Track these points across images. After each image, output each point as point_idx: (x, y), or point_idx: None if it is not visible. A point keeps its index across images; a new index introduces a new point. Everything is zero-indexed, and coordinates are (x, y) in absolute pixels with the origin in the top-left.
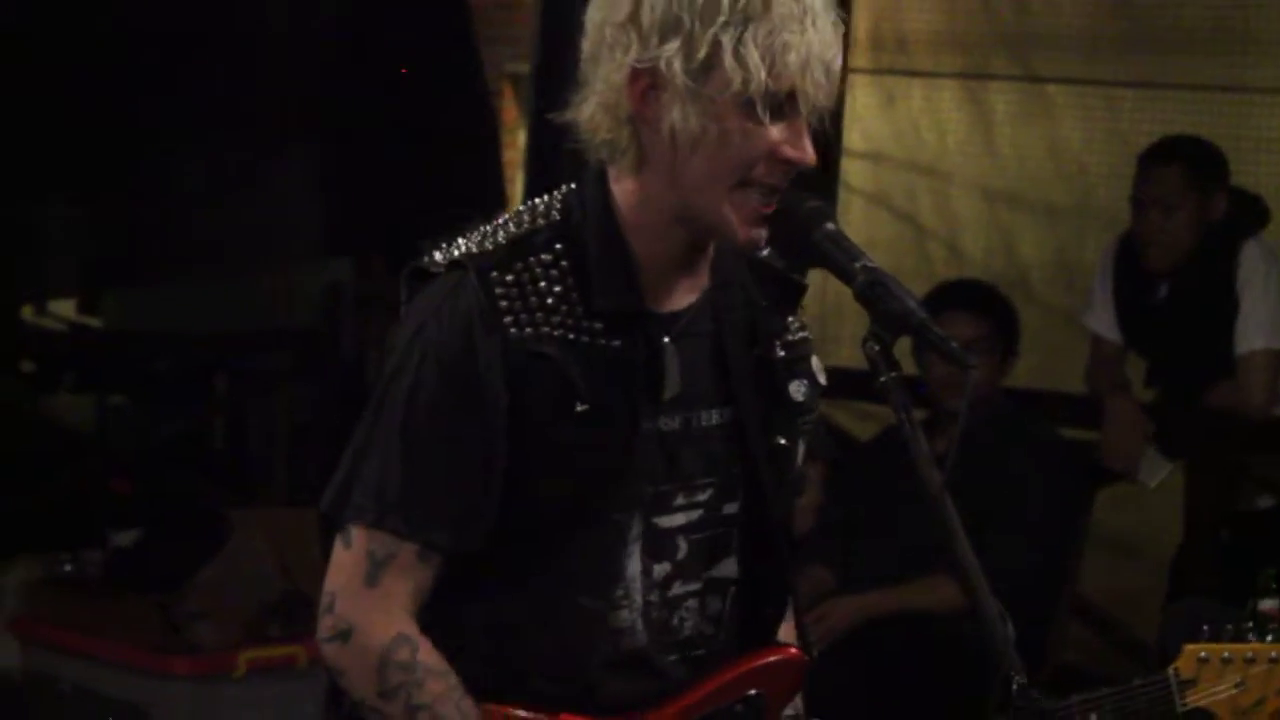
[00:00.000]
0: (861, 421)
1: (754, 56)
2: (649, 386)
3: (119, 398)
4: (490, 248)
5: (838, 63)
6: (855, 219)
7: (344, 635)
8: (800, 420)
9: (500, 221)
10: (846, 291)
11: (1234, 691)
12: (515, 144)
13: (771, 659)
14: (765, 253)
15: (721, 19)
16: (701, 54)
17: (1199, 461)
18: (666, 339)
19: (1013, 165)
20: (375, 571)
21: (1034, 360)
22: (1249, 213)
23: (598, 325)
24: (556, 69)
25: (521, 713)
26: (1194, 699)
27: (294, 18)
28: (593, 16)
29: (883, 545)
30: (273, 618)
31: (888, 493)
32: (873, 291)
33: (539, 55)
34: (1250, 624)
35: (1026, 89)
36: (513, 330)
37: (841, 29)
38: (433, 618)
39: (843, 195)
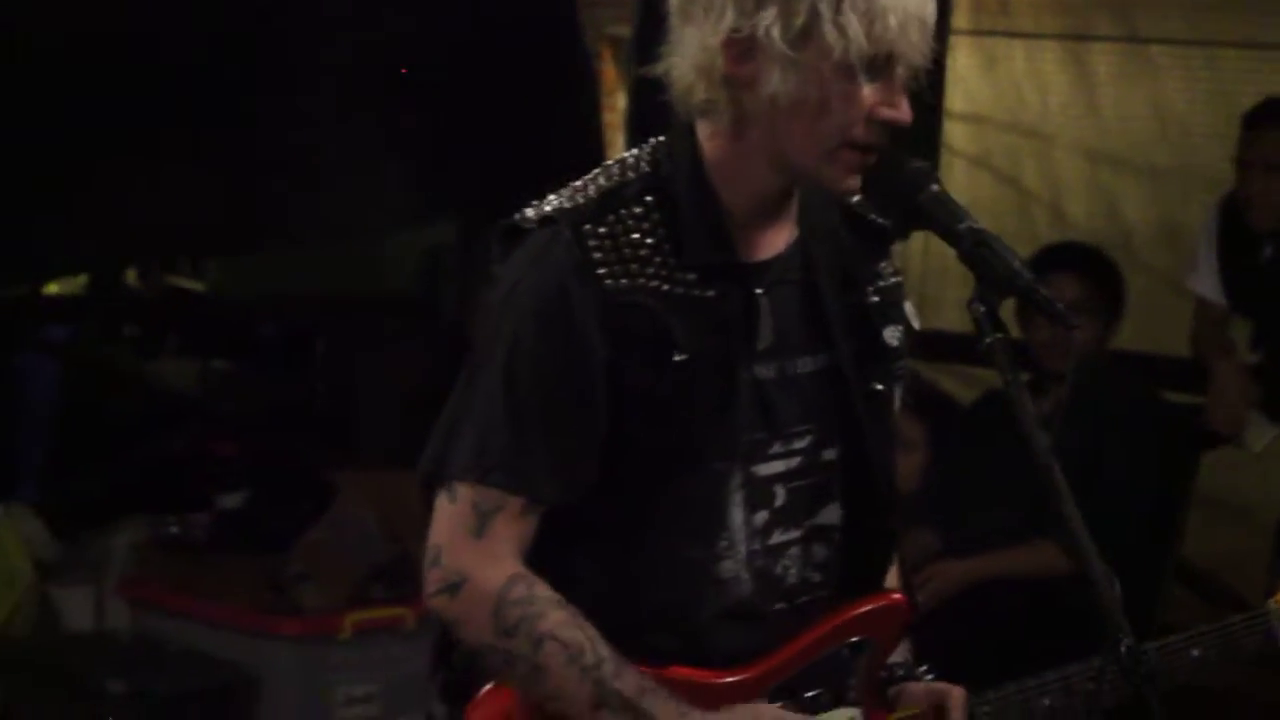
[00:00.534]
0: (965, 385)
1: (853, 22)
2: (744, 335)
3: (222, 362)
4: (582, 201)
5: (933, 19)
6: (957, 181)
7: (454, 587)
8: (895, 365)
9: (590, 176)
10: (949, 254)
11: None
12: (615, 106)
13: (877, 605)
14: (855, 199)
15: None
16: (799, 21)
17: None
18: (759, 290)
19: (1115, 127)
20: (481, 524)
21: (1138, 323)
22: None
23: (691, 276)
24: (657, 31)
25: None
26: None
27: None
28: None
29: (987, 508)
30: (378, 580)
31: (992, 455)
32: (978, 253)
33: (639, 17)
34: None
35: (1129, 49)
36: (608, 282)
37: None
38: (540, 572)
39: (945, 158)
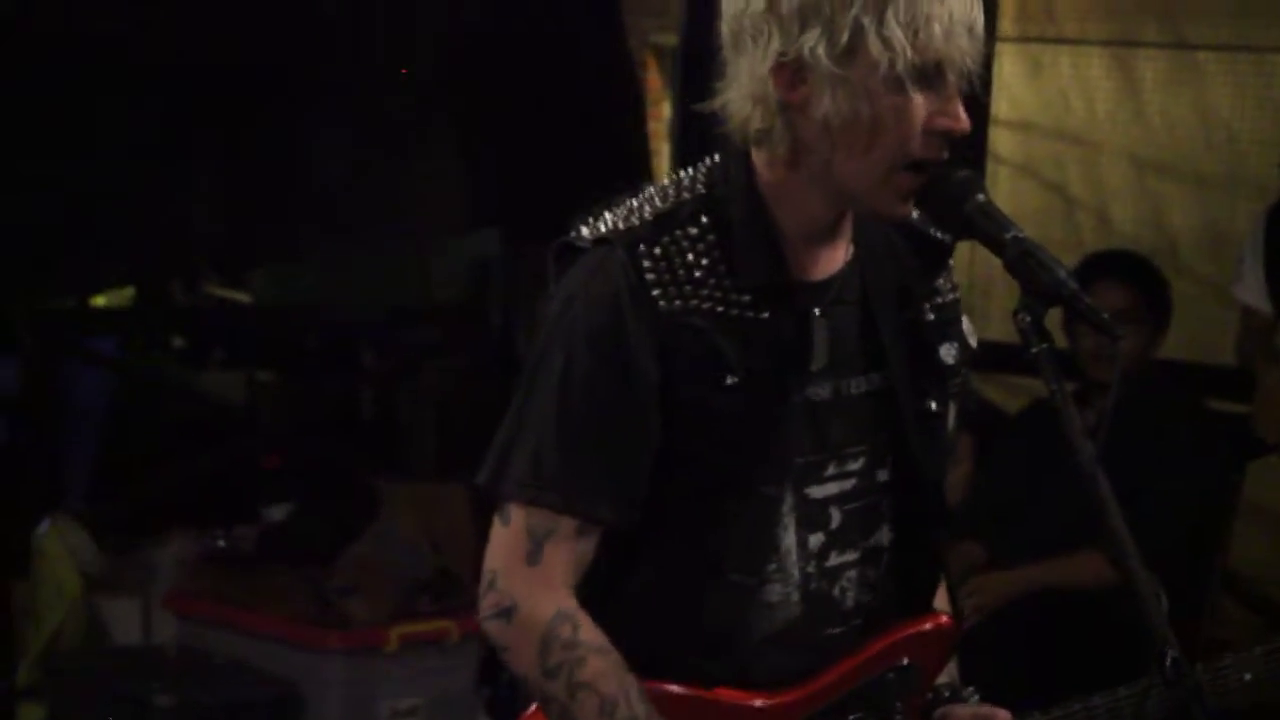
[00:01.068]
0: (1011, 395)
1: (897, 33)
2: (798, 357)
3: (268, 373)
4: (636, 222)
5: (981, 22)
6: (1003, 189)
7: (507, 614)
8: (951, 383)
9: (645, 196)
10: (995, 264)
11: None
12: (659, 115)
13: (923, 627)
14: (913, 215)
15: (860, 0)
16: (844, 38)
17: None
18: (816, 310)
19: (1162, 134)
20: (535, 549)
21: (1184, 332)
22: None
23: (745, 297)
24: (703, 43)
25: (675, 688)
26: None
27: None
28: (729, 5)
29: (1034, 519)
30: (423, 592)
31: (1038, 466)
32: (1023, 262)
33: (685, 29)
34: None
35: (1175, 56)
36: (661, 304)
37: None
38: (588, 594)
39: (990, 165)
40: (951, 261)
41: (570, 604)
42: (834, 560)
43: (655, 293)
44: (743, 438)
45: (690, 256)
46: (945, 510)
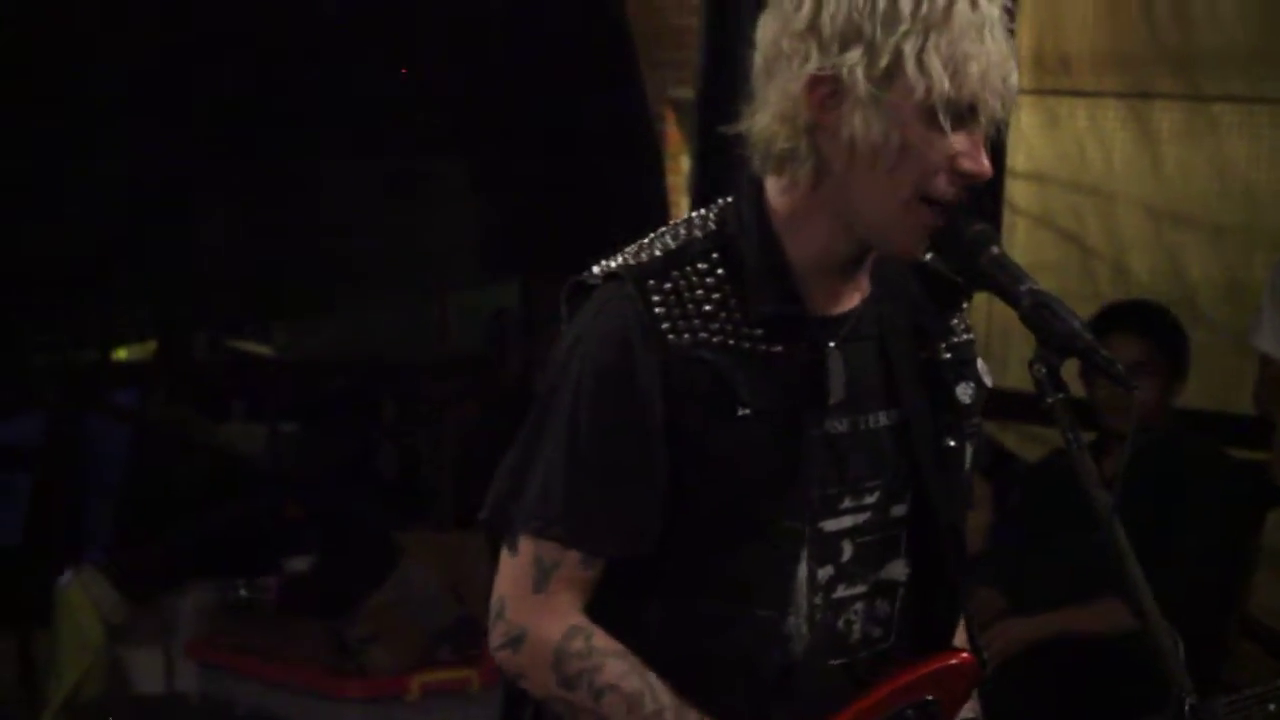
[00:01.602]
0: (1029, 443)
1: (937, 65)
2: (814, 391)
3: (290, 425)
4: (646, 259)
5: (1015, 75)
6: (1020, 240)
7: (516, 641)
8: (967, 422)
9: (657, 234)
10: (1012, 314)
11: None
12: (678, 169)
13: (945, 664)
14: (929, 256)
15: (904, 27)
16: (884, 62)
17: None
18: (831, 343)
19: (1178, 185)
20: (542, 578)
21: (1202, 381)
22: None
23: (757, 331)
24: (721, 93)
25: None
26: None
27: (453, 42)
28: (766, 31)
29: (1052, 567)
30: (444, 641)
31: (1056, 515)
32: (1038, 314)
33: (703, 80)
34: None
35: (1191, 107)
36: (671, 338)
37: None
38: (607, 623)
39: (1007, 216)
40: (966, 304)
41: (579, 620)
42: (841, 592)
43: (665, 326)
44: (756, 470)
45: (700, 291)
46: (964, 547)
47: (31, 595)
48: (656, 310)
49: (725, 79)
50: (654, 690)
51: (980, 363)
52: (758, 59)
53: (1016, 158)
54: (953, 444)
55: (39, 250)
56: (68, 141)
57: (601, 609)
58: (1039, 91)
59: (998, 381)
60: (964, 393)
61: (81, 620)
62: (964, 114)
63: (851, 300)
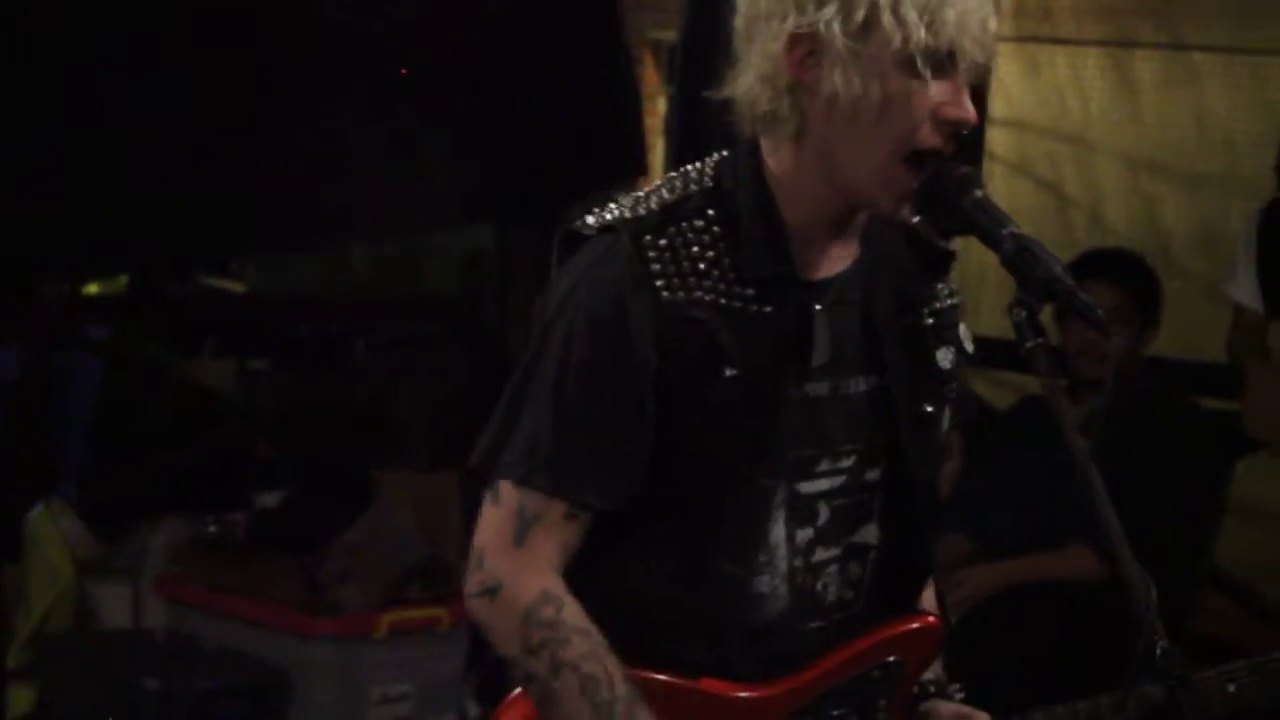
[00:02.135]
0: (999, 389)
1: (912, 14)
2: (798, 353)
3: (261, 362)
4: (643, 212)
5: (993, 20)
6: (998, 187)
7: (492, 592)
8: (947, 388)
9: (653, 187)
10: (989, 260)
11: None
12: (655, 111)
13: (910, 626)
14: (916, 220)
15: None
16: (860, 15)
17: None
18: (818, 306)
19: (1157, 134)
20: (524, 529)
21: (1176, 330)
22: None
23: (749, 291)
24: (703, 37)
25: (661, 677)
26: None
27: None
28: None
29: (1020, 513)
30: (414, 580)
31: (1026, 461)
32: (1020, 258)
33: (687, 23)
34: None
35: (1171, 57)
36: (664, 294)
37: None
38: (580, 581)
39: (985, 163)
40: (951, 269)
41: (555, 585)
42: (819, 555)
43: (659, 283)
44: (740, 430)
45: (695, 249)
46: (937, 512)
47: (1, 529)
48: (652, 266)
49: (708, 20)
50: (611, 678)
51: (963, 328)
52: (738, 22)
53: (995, 105)
54: (930, 409)
55: (10, 185)
56: (39, 79)
57: (574, 561)
58: (1019, 39)
59: (971, 327)
60: (945, 358)
61: (50, 554)
62: (943, 61)
63: (840, 263)
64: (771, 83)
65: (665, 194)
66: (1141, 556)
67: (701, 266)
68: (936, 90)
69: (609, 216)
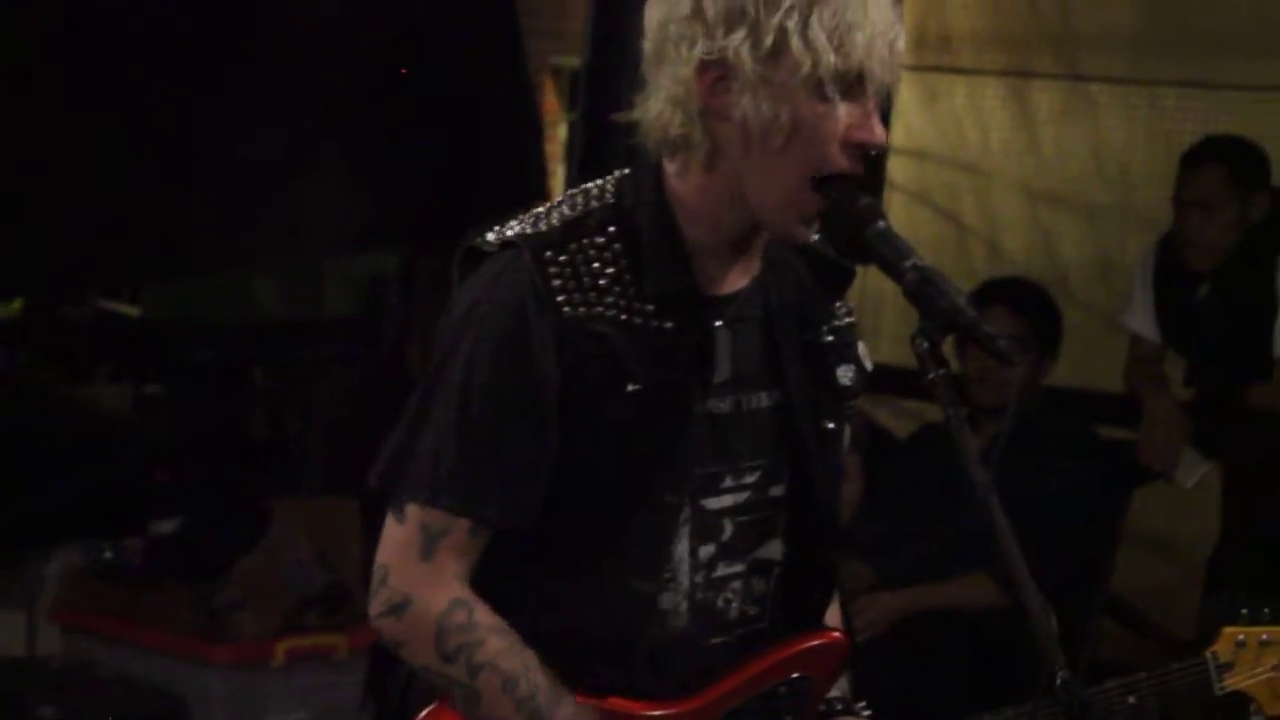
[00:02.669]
0: (899, 418)
1: (821, 38)
2: (700, 369)
3: (157, 387)
4: (544, 229)
5: (900, 41)
6: (897, 216)
7: (399, 609)
8: (847, 404)
9: (553, 204)
10: (887, 287)
11: (1271, 674)
12: (556, 137)
13: (815, 642)
14: (815, 238)
15: (786, 4)
16: (769, 40)
17: (1236, 461)
18: (719, 323)
19: (1055, 164)
20: (429, 546)
21: (1073, 359)
22: None
23: (650, 307)
24: (607, 64)
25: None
26: (1231, 682)
27: (338, 10)
28: (653, 16)
29: (922, 541)
30: (312, 607)
31: (927, 488)
32: (922, 290)
33: (590, 50)
34: None
35: (1070, 87)
36: (566, 310)
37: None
38: (486, 596)
39: (885, 192)
40: (849, 287)
41: (464, 593)
42: (721, 571)
43: (560, 299)
44: (643, 445)
45: (596, 264)
46: (838, 527)
47: None
48: (553, 282)
49: (611, 46)
50: (530, 671)
51: (861, 346)
52: (646, 45)
53: (895, 133)
54: (832, 426)
55: None
56: None
57: (480, 581)
58: (919, 68)
59: (870, 355)
60: (845, 375)
61: None
62: (852, 84)
63: (741, 280)
64: (683, 107)
65: (566, 210)
66: (1041, 585)
67: (603, 282)
68: (845, 113)
69: (509, 233)
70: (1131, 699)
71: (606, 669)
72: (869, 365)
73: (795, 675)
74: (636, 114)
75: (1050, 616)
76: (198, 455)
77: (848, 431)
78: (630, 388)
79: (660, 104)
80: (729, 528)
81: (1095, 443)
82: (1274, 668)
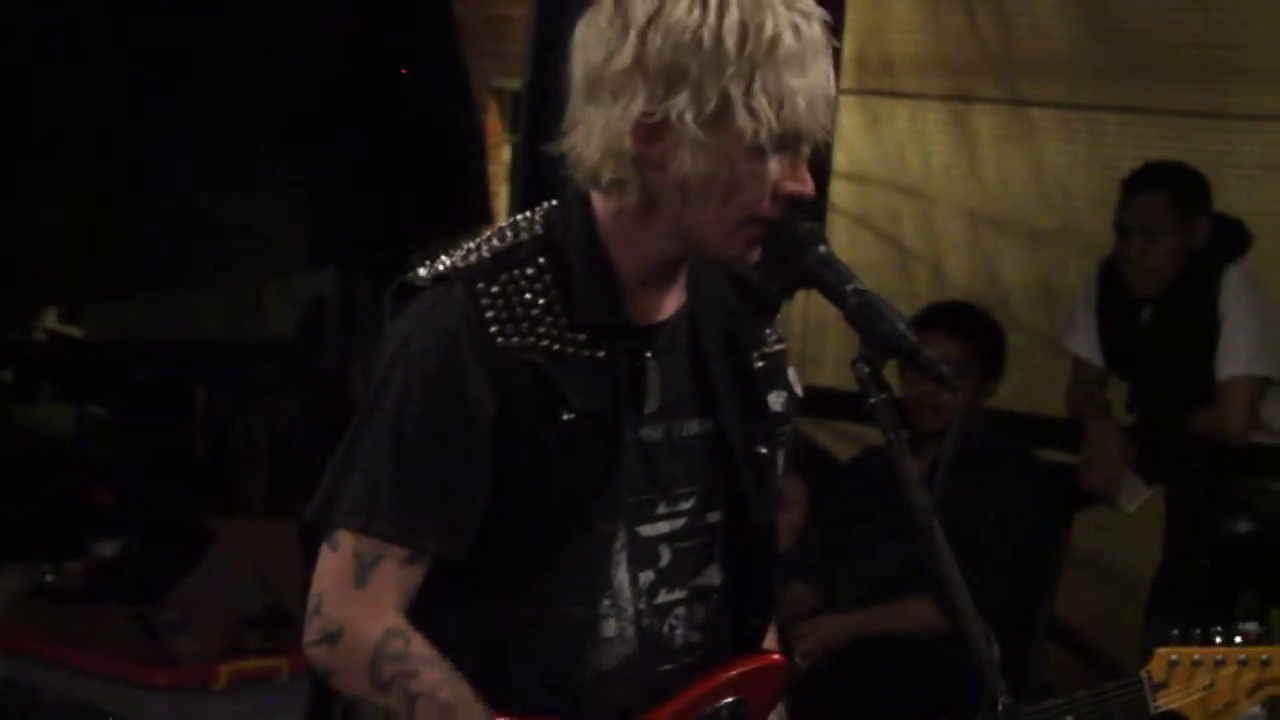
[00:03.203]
0: (841, 441)
1: (764, 105)
2: (632, 398)
3: (98, 408)
4: (475, 261)
5: (833, 90)
6: (839, 239)
7: (333, 637)
8: (779, 430)
9: (483, 237)
10: (828, 311)
11: (1204, 694)
12: (499, 159)
13: (754, 666)
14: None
15: (730, 70)
16: (711, 106)
17: (1179, 486)
18: (649, 354)
19: (996, 188)
20: (363, 574)
21: (1015, 383)
22: (1231, 238)
23: (581, 337)
24: (548, 86)
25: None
26: (1165, 701)
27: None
28: (587, 56)
29: (864, 565)
30: (253, 629)
31: (869, 513)
32: (863, 314)
33: (532, 73)
34: (1219, 628)
35: (1011, 112)
36: (499, 340)
37: (833, 52)
38: (422, 628)
39: (827, 215)
40: (778, 312)
41: (399, 622)
42: (663, 598)
43: (493, 329)
44: (577, 473)
45: (528, 295)
46: (775, 552)
47: None
48: (486, 314)
49: (553, 72)
50: (466, 704)
51: (791, 371)
52: (576, 76)
53: (837, 157)
54: (765, 451)
55: None
56: None
57: (414, 612)
58: (861, 92)
59: (812, 379)
60: (776, 401)
61: None
62: (789, 143)
63: (669, 308)
64: (616, 156)
65: (496, 242)
66: (982, 609)
67: (535, 313)
68: (777, 167)
69: (441, 267)
70: (1069, 718)
71: (549, 696)
72: (799, 390)
73: (734, 699)
74: (565, 145)
75: (992, 641)
76: (139, 476)
77: (780, 456)
78: (565, 416)
79: (593, 150)
80: (666, 554)
81: (1037, 466)
82: (1206, 688)
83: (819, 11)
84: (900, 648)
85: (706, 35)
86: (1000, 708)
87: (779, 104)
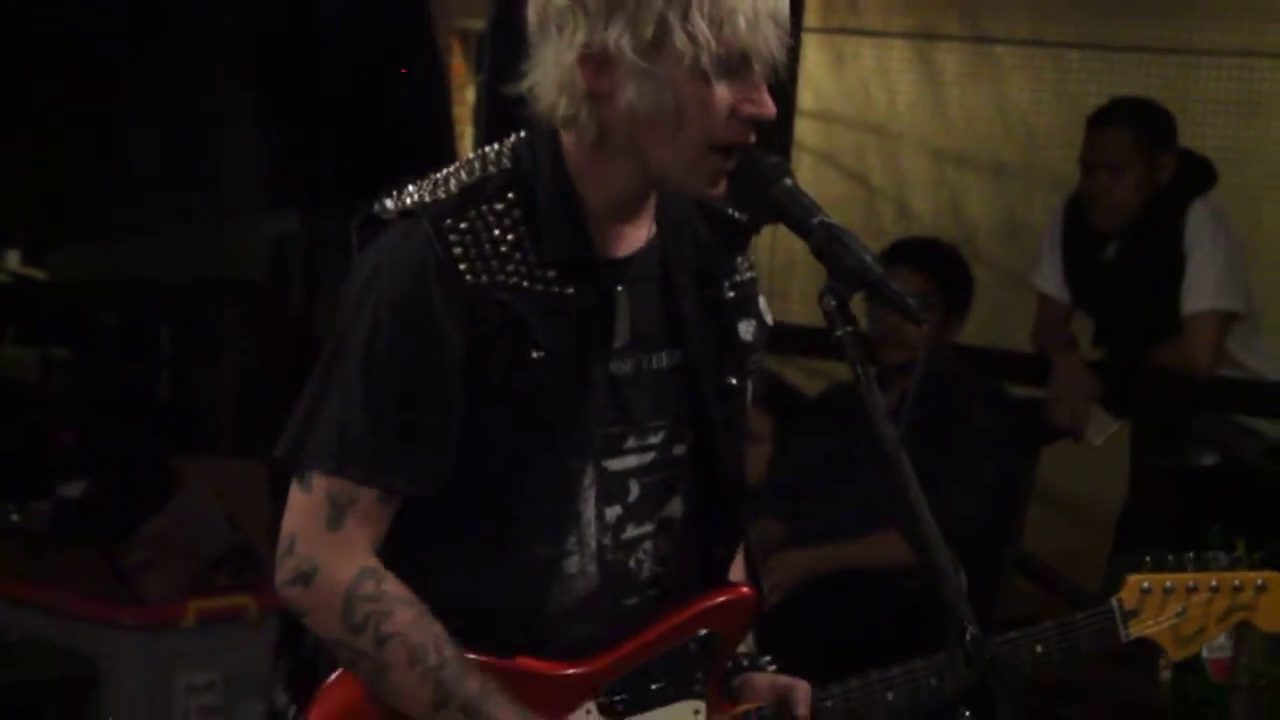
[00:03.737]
0: (809, 377)
1: (702, 26)
2: (601, 332)
3: (63, 350)
4: (443, 196)
5: (785, 11)
6: (805, 177)
7: (306, 577)
8: (749, 360)
9: (451, 170)
10: (796, 247)
11: (1175, 621)
12: (464, 100)
13: (723, 598)
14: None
15: None
16: (649, 32)
17: (1144, 419)
18: (619, 287)
19: (961, 125)
20: (337, 515)
21: (981, 318)
22: (1196, 174)
23: (550, 273)
24: (512, 26)
25: (475, 657)
26: (1137, 629)
27: None
28: None
29: (832, 499)
30: (221, 568)
31: (837, 447)
32: (830, 247)
33: (494, 12)
34: (1191, 554)
35: (975, 49)
36: (468, 277)
37: None
38: (391, 564)
39: (794, 153)
40: (749, 242)
41: (372, 562)
42: (630, 533)
43: (461, 266)
44: (547, 411)
45: (496, 231)
46: (743, 484)
47: None
48: (454, 250)
49: (515, 9)
50: (438, 643)
51: (762, 300)
52: (531, 18)
53: (803, 96)
54: (734, 382)
55: None
56: None
57: (383, 550)
58: (826, 30)
59: (780, 315)
60: (746, 330)
61: None
62: (737, 65)
63: (638, 241)
64: (568, 91)
65: (464, 176)
66: (950, 542)
67: (503, 250)
68: (731, 90)
69: (408, 201)
70: (1039, 648)
71: (515, 632)
72: (769, 319)
73: (704, 631)
74: (525, 84)
75: (960, 573)
76: (106, 417)
77: (750, 386)
78: (535, 354)
79: (547, 85)
80: (635, 489)
81: (1004, 399)
82: (1178, 614)
83: None
84: (868, 581)
85: None
86: (968, 638)
87: (718, 25)
